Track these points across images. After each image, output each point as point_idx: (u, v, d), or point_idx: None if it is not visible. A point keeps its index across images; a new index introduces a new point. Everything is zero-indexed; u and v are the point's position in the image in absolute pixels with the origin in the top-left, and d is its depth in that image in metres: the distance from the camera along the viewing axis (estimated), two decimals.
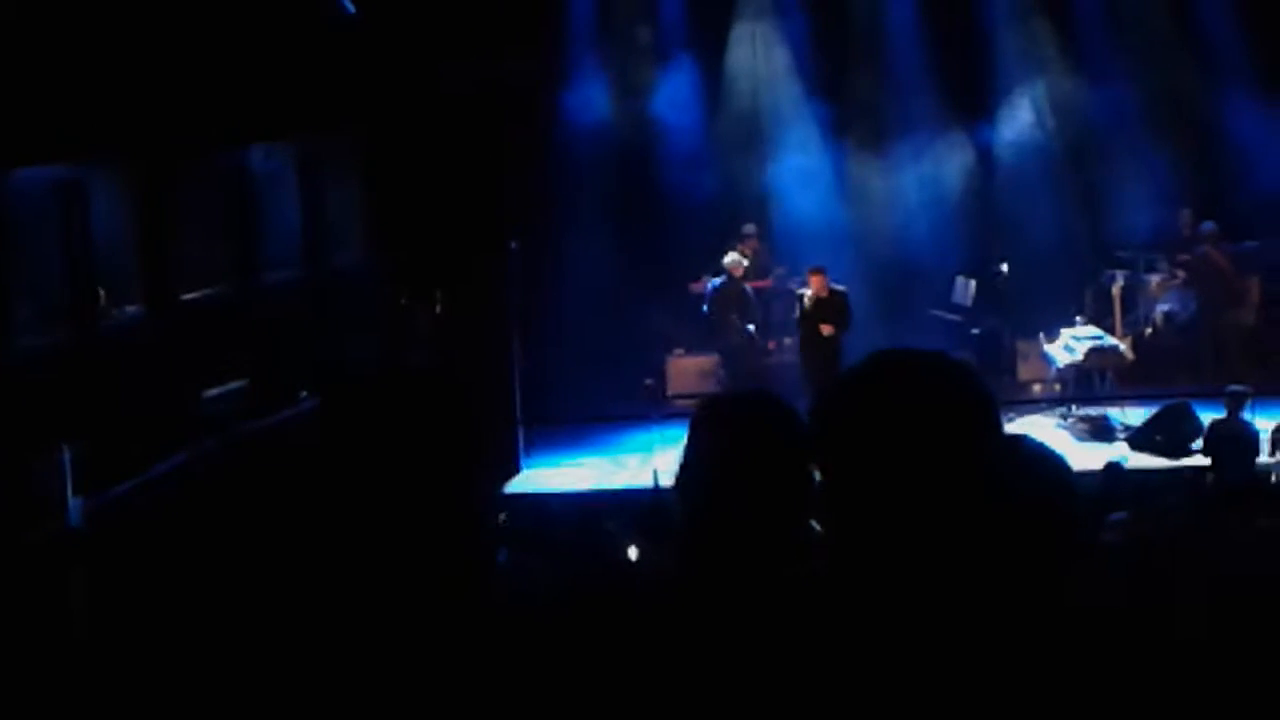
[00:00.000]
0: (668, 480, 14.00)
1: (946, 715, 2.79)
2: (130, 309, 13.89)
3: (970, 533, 2.99)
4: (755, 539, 3.13)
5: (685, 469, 3.28)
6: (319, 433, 3.37)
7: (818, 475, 3.12)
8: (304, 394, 14.01)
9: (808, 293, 16.94)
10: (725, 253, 18.93)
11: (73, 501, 10.02)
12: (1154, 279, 18.77)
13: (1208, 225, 18.27)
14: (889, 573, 2.96)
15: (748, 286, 18.16)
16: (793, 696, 2.84)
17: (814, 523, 3.23)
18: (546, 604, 3.30)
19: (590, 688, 2.95)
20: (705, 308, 18.15)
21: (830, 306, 16.78)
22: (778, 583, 3.04)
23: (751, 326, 18.08)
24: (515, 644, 3.03)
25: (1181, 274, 18.64)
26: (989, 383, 3.16)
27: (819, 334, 16.73)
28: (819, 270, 16.94)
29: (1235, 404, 14.18)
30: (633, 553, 11.67)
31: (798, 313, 17.07)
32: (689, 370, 18.60)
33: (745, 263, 18.12)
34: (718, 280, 18.01)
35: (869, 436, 3.01)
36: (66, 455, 10.15)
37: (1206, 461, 14.27)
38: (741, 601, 3.00)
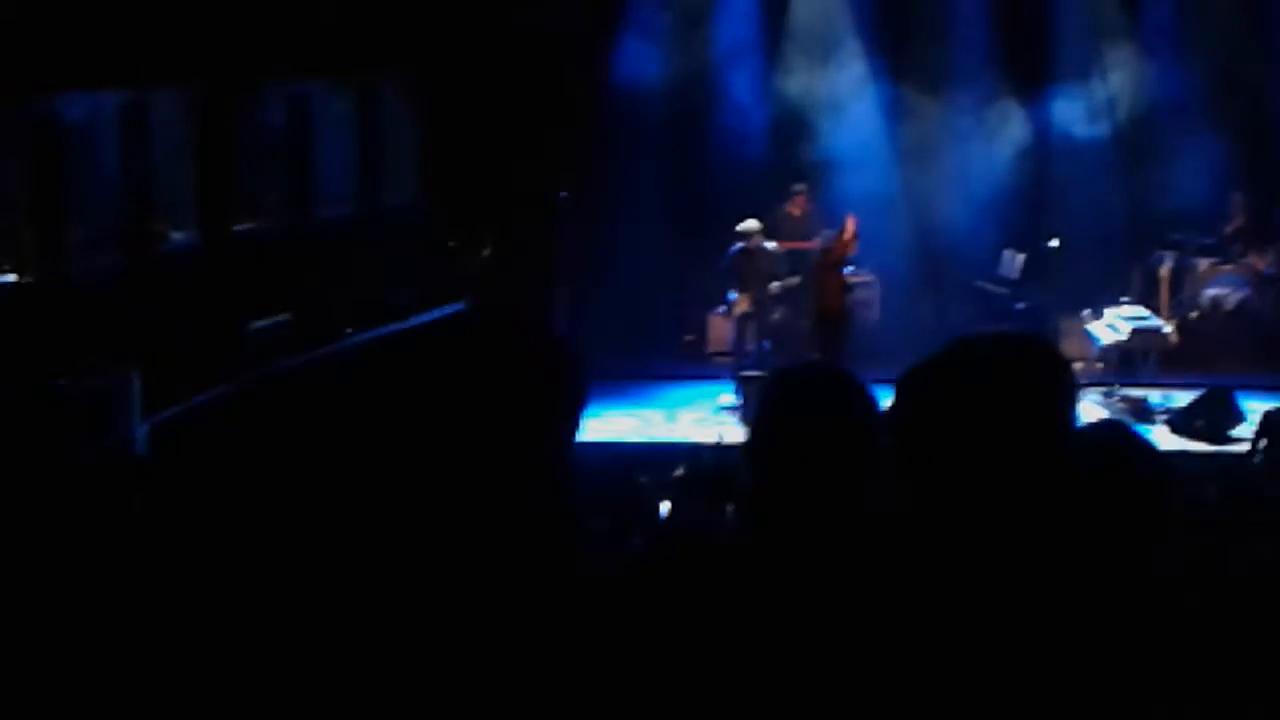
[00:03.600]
0: (730, 440, 14.09)
1: (1016, 683, 2.84)
2: (180, 235, 13.95)
3: (1053, 509, 3.03)
4: (821, 508, 3.15)
5: (755, 437, 3.32)
6: (394, 373, 3.38)
7: (896, 451, 3.16)
8: (349, 331, 14.06)
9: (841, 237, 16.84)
10: (773, 210, 18.88)
11: (139, 428, 10.05)
12: (1203, 262, 18.69)
13: None
14: (970, 545, 3.00)
15: (769, 247, 17.73)
16: (857, 659, 2.88)
17: (882, 495, 3.26)
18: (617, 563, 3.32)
19: (662, 646, 2.97)
20: (722, 273, 17.77)
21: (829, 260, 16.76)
22: (845, 549, 3.08)
23: (776, 285, 17.87)
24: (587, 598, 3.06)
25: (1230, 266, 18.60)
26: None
27: (830, 285, 16.66)
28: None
29: None
30: (664, 508, 11.70)
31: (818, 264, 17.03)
32: (729, 328, 18.56)
33: (759, 227, 17.63)
34: (735, 246, 17.52)
35: (955, 418, 3.05)
36: (136, 381, 10.18)
37: (1245, 448, 14.23)
38: (806, 566, 3.04)
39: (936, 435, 3.07)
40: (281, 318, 13.67)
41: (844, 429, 3.23)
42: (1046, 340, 3.27)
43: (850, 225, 16.67)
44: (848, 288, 17.12)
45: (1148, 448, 3.54)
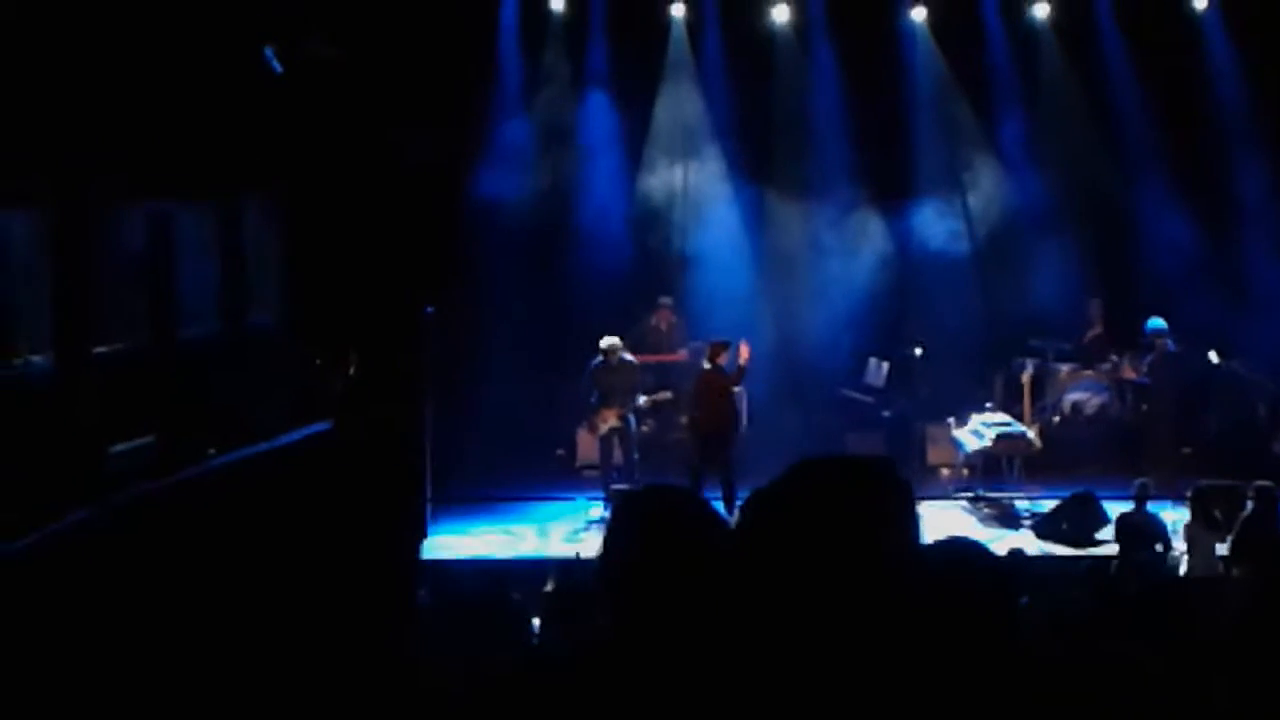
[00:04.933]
0: (591, 554, 14.04)
1: None
2: (39, 359, 13.72)
3: (896, 626, 3.07)
4: (673, 625, 3.18)
5: (606, 559, 3.34)
6: (249, 492, 3.35)
7: (744, 571, 3.18)
8: (212, 452, 13.87)
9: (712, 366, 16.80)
10: (639, 320, 18.97)
11: None
12: (1063, 368, 19.01)
13: (1160, 324, 18.16)
14: (815, 661, 3.02)
15: (629, 359, 17.53)
16: None
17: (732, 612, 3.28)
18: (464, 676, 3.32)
19: None
20: (583, 388, 17.62)
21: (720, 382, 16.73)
22: (697, 668, 3.09)
23: (643, 399, 17.70)
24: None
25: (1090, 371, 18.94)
26: (899, 468, 3.28)
27: (721, 406, 16.63)
28: (726, 344, 16.86)
29: (1141, 496, 14.31)
30: (536, 623, 11.64)
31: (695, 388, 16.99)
32: (595, 442, 18.50)
33: (619, 342, 17.59)
34: (596, 361, 17.39)
35: (798, 540, 3.08)
36: None
37: (1109, 551, 14.40)
38: (661, 684, 3.09)
39: (781, 556, 3.11)
40: (143, 440, 13.47)
41: (687, 551, 3.26)
42: (888, 462, 3.31)
43: (745, 351, 16.59)
44: (733, 400, 17.03)
45: (993, 562, 3.57)
